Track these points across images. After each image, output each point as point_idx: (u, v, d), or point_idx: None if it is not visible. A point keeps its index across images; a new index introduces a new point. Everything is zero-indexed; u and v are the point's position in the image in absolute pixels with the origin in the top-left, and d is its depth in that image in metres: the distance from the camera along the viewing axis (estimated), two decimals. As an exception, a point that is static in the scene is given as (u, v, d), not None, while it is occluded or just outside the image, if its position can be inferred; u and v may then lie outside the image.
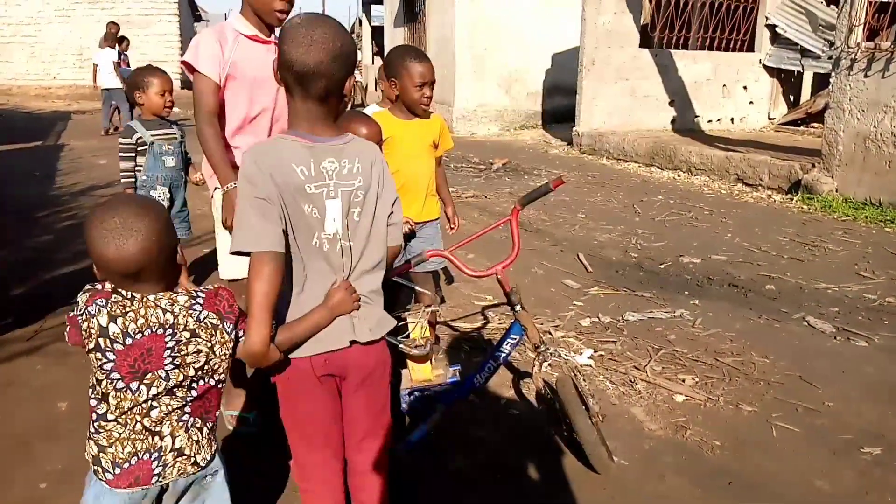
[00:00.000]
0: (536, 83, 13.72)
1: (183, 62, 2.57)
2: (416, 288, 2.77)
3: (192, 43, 2.59)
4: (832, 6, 10.04)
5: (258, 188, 1.53)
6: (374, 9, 21.27)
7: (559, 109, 13.48)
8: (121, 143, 3.78)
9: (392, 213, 1.74)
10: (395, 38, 17.51)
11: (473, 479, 2.55)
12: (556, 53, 13.40)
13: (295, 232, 1.59)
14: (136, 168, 3.74)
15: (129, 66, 11.98)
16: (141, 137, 3.71)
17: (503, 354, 2.58)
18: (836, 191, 7.09)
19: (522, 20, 13.07)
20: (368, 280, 1.73)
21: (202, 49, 2.51)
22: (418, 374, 2.59)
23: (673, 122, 11.19)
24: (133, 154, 3.73)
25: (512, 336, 2.55)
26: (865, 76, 6.80)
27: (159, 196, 3.73)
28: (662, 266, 5.13)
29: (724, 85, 11.43)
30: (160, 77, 3.72)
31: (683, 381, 3.30)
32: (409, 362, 2.57)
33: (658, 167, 9.25)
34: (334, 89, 1.60)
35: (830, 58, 7.36)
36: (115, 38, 12.01)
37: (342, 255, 1.66)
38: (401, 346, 2.44)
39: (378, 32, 20.77)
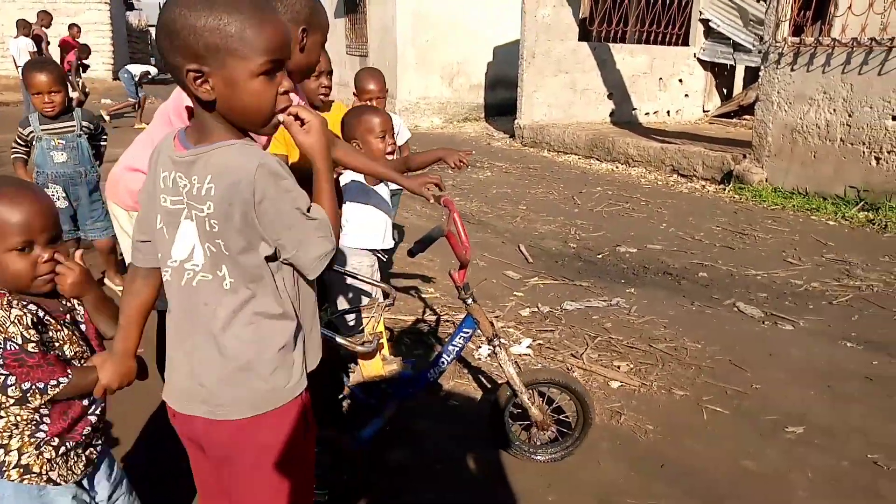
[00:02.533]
0: (479, 76, 13.76)
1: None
2: (371, 281, 2.74)
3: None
4: (761, 2, 10.36)
5: (141, 189, 1.40)
6: (315, -1, 20.95)
7: (501, 102, 13.55)
8: (17, 134, 3.65)
9: (297, 252, 1.31)
10: (335, 28, 17.28)
11: (414, 472, 2.54)
12: (497, 46, 13.46)
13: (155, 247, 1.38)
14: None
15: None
16: (33, 132, 3.57)
17: (456, 348, 2.57)
18: (766, 181, 7.34)
19: (465, 13, 13.07)
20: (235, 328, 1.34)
21: None
22: (369, 370, 2.56)
23: (612, 114, 11.39)
24: (24, 148, 3.60)
25: (465, 330, 2.54)
26: (792, 70, 7.05)
27: (53, 196, 3.56)
28: (600, 256, 5.22)
29: (661, 78, 11.69)
30: (38, 77, 3.51)
31: (619, 367, 3.36)
32: (360, 358, 2.54)
33: (597, 159, 9.40)
34: (175, 78, 1.26)
35: (760, 52, 7.60)
36: (27, 26, 11.74)
37: (200, 293, 1.32)
38: (342, 345, 2.41)
39: (319, 23, 20.45)
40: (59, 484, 1.51)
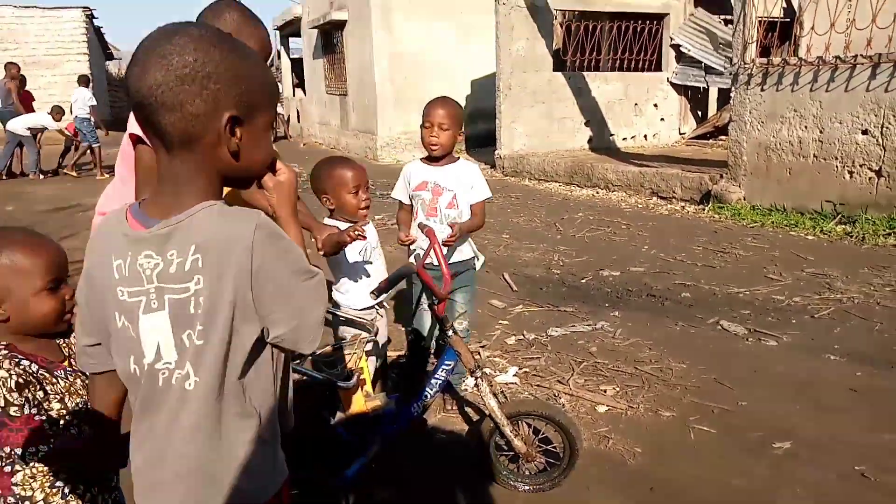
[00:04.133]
0: (457, 109, 13.92)
1: (130, 135, 2.16)
2: (351, 317, 2.74)
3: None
4: (729, 25, 10.61)
5: (79, 288, 1.22)
6: (292, 41, 21.24)
7: (481, 134, 13.70)
8: None
9: (296, 323, 1.16)
10: (314, 69, 17.50)
11: (399, 508, 2.51)
12: (475, 80, 13.65)
13: (111, 351, 1.20)
14: None
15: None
16: None
17: (439, 381, 2.56)
18: (744, 199, 7.44)
19: (441, 49, 13.27)
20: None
21: None
22: (352, 407, 2.54)
23: (590, 141, 11.54)
24: None
25: (446, 362, 2.54)
26: (762, 90, 7.20)
27: None
28: (584, 280, 5.24)
29: (636, 104, 11.89)
30: None
31: (605, 391, 3.36)
32: (342, 395, 2.53)
33: (577, 185, 9.50)
34: (186, 130, 1.07)
35: (731, 74, 7.76)
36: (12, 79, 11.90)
37: (168, 396, 1.13)
38: (323, 381, 2.40)
39: (297, 64, 20.71)
40: None
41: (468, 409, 3.19)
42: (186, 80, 1.04)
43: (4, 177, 11.69)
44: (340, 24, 14.58)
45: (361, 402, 2.54)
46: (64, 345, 1.54)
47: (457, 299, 3.03)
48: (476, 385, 2.46)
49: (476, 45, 13.19)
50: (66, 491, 1.45)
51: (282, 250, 1.12)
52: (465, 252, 3.05)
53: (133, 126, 2.08)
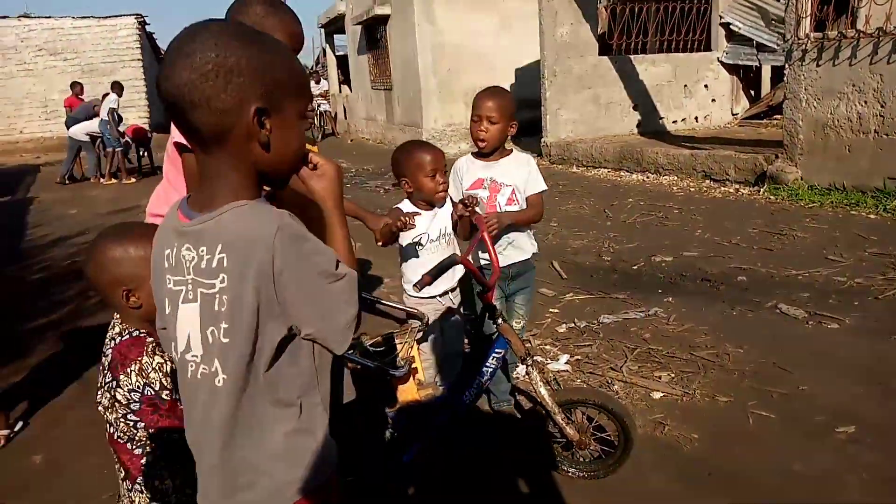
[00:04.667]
0: (502, 98, 13.85)
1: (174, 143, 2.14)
2: (401, 307, 2.78)
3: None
4: (781, 0, 10.26)
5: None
6: (337, 38, 21.42)
7: (527, 122, 13.53)
8: None
9: (322, 325, 1.15)
10: (359, 65, 17.64)
11: (457, 494, 2.54)
12: (518, 68, 13.55)
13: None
14: None
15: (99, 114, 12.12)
16: None
17: (490, 369, 2.56)
18: (801, 179, 7.20)
19: (483, 40, 13.21)
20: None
21: None
22: (404, 395, 2.58)
23: (638, 125, 11.33)
24: None
25: (497, 350, 2.54)
26: (817, 65, 6.95)
27: None
28: (635, 267, 5.17)
29: (685, 85, 11.61)
30: None
31: (660, 377, 3.32)
32: (394, 383, 2.57)
33: (627, 171, 9.35)
34: (216, 126, 1.08)
35: (784, 51, 7.51)
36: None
37: (199, 390, 1.17)
38: (375, 370, 2.44)
39: (342, 61, 20.90)
40: None
41: (521, 397, 3.20)
42: (210, 76, 1.05)
43: (67, 181, 12.17)
44: (384, 19, 14.65)
45: (414, 391, 2.57)
46: None
47: (517, 301, 2.93)
48: (527, 373, 2.47)
49: (518, 32, 13.08)
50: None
51: (305, 252, 1.10)
52: (525, 248, 2.90)
53: (176, 134, 2.15)
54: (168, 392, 1.50)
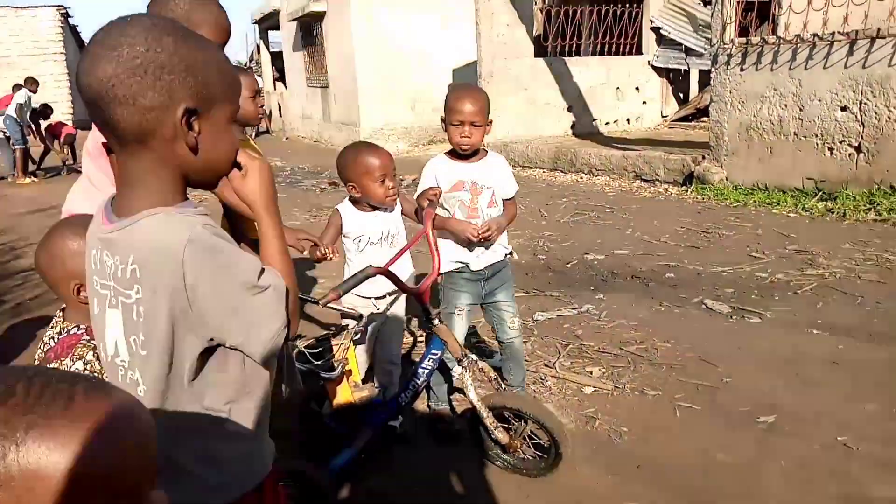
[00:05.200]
0: (440, 98, 13.87)
1: (103, 143, 2.19)
2: (338, 308, 2.72)
3: None
4: (708, 6, 10.63)
5: None
6: (272, 34, 21.07)
7: (464, 122, 13.69)
8: None
9: (246, 337, 1.10)
10: (294, 62, 17.38)
11: (392, 496, 2.52)
12: (456, 69, 13.61)
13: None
14: None
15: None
16: None
17: (426, 371, 2.52)
18: (726, 179, 7.47)
19: (421, 39, 13.23)
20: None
21: None
22: (339, 398, 2.54)
23: (573, 126, 11.54)
24: None
25: (433, 351, 2.50)
26: (742, 70, 7.22)
27: None
28: (569, 265, 5.26)
29: (618, 87, 11.89)
30: None
31: (591, 373, 3.38)
32: (327, 385, 2.52)
33: (561, 171, 9.51)
34: (140, 124, 1.02)
35: (710, 55, 7.78)
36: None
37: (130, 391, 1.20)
38: (307, 371, 2.39)
39: (277, 57, 20.56)
40: None
41: (460, 396, 3.20)
42: (138, 72, 1.00)
43: None
44: (320, 16, 14.48)
45: (348, 393, 2.53)
46: None
47: (501, 301, 2.86)
48: (461, 375, 2.46)
49: (455, 33, 13.15)
50: None
51: (220, 265, 1.05)
52: (497, 251, 2.81)
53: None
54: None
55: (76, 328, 1.52)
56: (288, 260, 1.21)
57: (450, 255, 2.75)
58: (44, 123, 11.93)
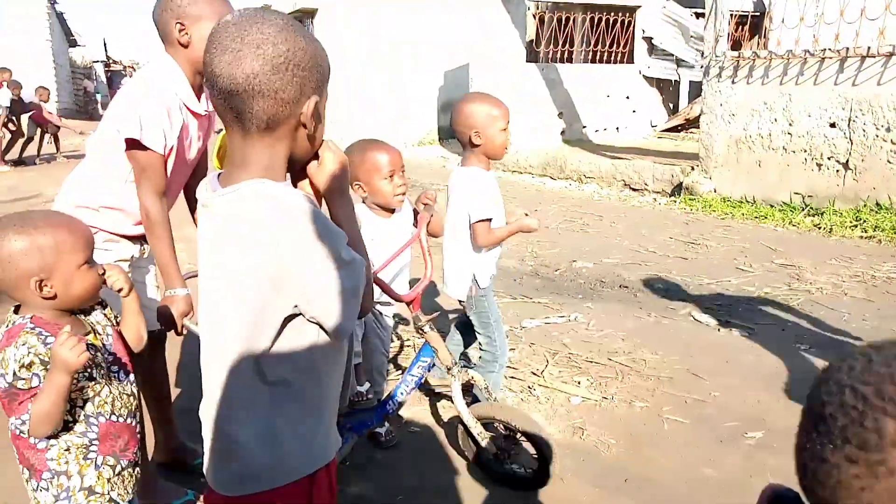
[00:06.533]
0: (431, 100, 13.86)
1: (127, 139, 2.02)
2: None
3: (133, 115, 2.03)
4: (700, 18, 10.70)
5: None
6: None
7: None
8: None
9: (324, 308, 1.15)
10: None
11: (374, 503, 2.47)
12: (448, 71, 13.59)
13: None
14: None
15: None
16: None
17: (415, 378, 2.48)
18: (715, 191, 7.51)
19: (413, 38, 13.17)
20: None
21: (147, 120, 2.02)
22: None
23: (563, 133, 11.56)
24: None
25: (423, 358, 2.46)
26: (733, 83, 7.26)
27: None
28: (557, 272, 5.24)
29: (608, 95, 11.93)
30: None
31: (579, 383, 3.35)
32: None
33: (550, 177, 9.51)
34: (276, 114, 1.12)
35: (702, 67, 7.81)
36: None
37: (210, 361, 1.25)
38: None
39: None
40: (119, 503, 1.57)
41: (445, 402, 3.16)
42: (280, 69, 1.10)
43: None
44: (312, 12, 14.40)
45: (335, 399, 2.49)
46: (86, 321, 1.60)
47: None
48: (450, 384, 2.42)
49: (450, 32, 13.12)
50: (98, 462, 1.53)
51: (313, 233, 1.10)
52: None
53: (130, 129, 2.00)
54: (24, 381, 1.39)
55: (21, 318, 1.46)
56: (362, 244, 1.27)
57: (489, 269, 2.79)
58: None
